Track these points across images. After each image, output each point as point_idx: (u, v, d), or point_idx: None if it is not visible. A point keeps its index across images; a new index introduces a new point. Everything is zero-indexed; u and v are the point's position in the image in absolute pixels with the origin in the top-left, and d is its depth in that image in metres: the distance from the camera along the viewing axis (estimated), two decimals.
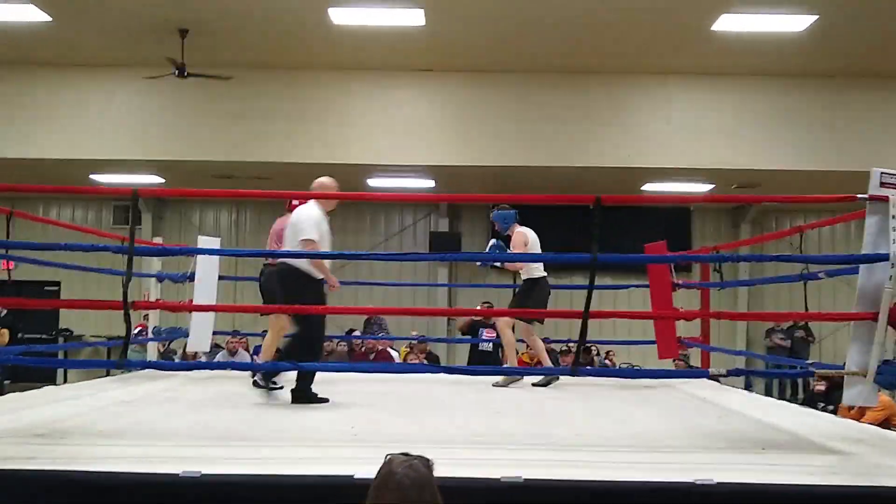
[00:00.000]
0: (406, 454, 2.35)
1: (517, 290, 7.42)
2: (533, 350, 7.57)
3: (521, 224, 7.14)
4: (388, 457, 2.35)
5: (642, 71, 12.37)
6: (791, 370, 6.62)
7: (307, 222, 5.54)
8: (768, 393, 13.74)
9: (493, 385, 6.89)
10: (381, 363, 10.33)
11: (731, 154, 12.47)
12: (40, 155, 12.55)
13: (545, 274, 7.12)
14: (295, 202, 6.45)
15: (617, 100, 12.61)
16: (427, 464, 2.33)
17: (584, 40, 11.19)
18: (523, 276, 7.13)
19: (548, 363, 7.52)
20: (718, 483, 3.19)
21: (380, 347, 11.25)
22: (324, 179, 5.88)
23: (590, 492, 3.23)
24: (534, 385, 6.96)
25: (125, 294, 4.08)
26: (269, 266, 6.39)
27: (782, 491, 3.23)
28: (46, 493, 3.23)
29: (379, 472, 2.32)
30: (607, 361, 13.86)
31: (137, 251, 4.25)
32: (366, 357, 11.26)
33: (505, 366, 7.66)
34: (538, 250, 7.12)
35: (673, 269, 7.25)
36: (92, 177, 13.98)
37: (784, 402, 6.83)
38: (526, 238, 7.02)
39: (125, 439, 4.17)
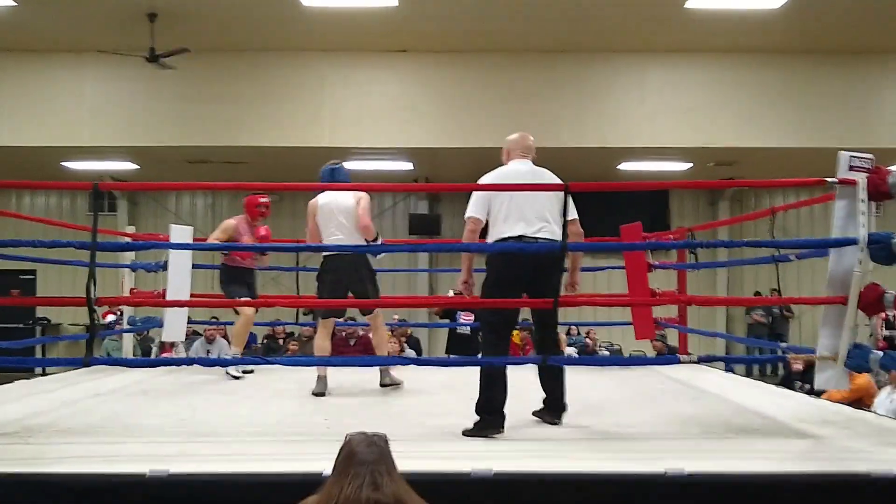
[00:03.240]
0: (365, 433, 2.42)
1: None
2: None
3: None
4: (348, 437, 2.41)
5: (618, 49, 12.31)
6: (765, 356, 6.62)
7: None
8: (748, 371, 13.84)
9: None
10: (352, 357, 10.21)
11: (707, 132, 12.46)
12: (10, 142, 12.40)
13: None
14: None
15: (593, 79, 12.55)
16: (385, 440, 2.40)
17: (559, 19, 11.10)
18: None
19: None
20: (689, 473, 3.18)
21: (360, 333, 11.19)
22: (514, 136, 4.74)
23: (557, 484, 3.21)
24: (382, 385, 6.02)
25: (88, 290, 4.01)
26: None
27: (754, 480, 3.22)
28: (7, 497, 3.17)
29: (340, 451, 2.37)
30: (588, 340, 13.89)
31: (101, 246, 4.17)
32: (346, 343, 11.21)
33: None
34: None
35: (649, 250, 7.21)
36: (64, 164, 13.82)
37: (761, 383, 6.84)
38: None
39: (94, 436, 4.11)
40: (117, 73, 12.01)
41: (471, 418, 4.66)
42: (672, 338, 10.87)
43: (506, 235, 4.27)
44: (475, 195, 4.39)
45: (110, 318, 12.61)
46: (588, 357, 11.57)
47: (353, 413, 4.92)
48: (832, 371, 3.99)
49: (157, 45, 10.72)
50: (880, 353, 3.94)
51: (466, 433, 4.12)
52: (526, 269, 4.26)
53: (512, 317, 4.41)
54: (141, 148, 12.78)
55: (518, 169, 4.48)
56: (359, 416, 4.83)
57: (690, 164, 13.95)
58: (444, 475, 3.21)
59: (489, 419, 4.13)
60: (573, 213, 4.35)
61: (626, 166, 14.08)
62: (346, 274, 5.55)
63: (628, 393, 5.83)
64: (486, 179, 4.45)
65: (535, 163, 4.58)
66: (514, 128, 13.03)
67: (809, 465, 3.39)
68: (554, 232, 4.31)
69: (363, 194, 5.68)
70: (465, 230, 4.42)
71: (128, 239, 8.01)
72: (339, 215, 5.59)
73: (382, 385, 5.88)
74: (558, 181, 4.41)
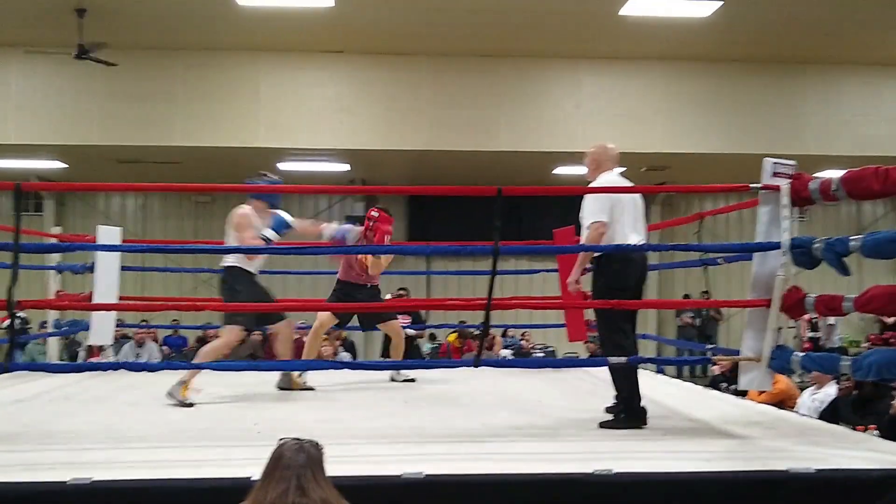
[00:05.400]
0: (297, 439, 2.40)
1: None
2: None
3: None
4: (281, 441, 2.40)
5: (553, 55, 12.45)
6: (692, 357, 6.78)
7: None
8: (679, 372, 14.12)
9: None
10: (282, 361, 10.01)
11: (640, 138, 12.66)
12: None
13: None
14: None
15: (528, 84, 12.66)
16: (317, 447, 2.39)
17: (496, 24, 11.18)
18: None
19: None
20: (617, 473, 3.23)
21: (295, 336, 11.09)
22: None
23: (487, 485, 3.23)
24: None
25: (10, 293, 3.88)
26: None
27: (679, 479, 3.29)
28: None
29: (270, 456, 2.36)
30: (523, 342, 14.02)
31: (24, 248, 4.04)
32: None
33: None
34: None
35: None
36: None
37: (690, 384, 6.98)
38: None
39: (12, 444, 3.97)
40: (45, 69, 11.69)
41: (405, 421, 4.66)
42: None
43: (630, 242, 4.45)
44: (596, 201, 4.45)
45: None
46: (522, 359, 11.67)
47: (285, 417, 4.87)
48: (756, 372, 4.09)
49: (86, 42, 10.46)
50: (801, 355, 4.06)
51: (609, 426, 4.32)
52: (637, 276, 4.54)
53: (632, 317, 4.62)
54: (69, 147, 12.46)
55: (620, 182, 4.67)
56: (290, 420, 4.78)
57: (623, 169, 14.14)
58: (374, 479, 3.20)
59: (636, 412, 4.37)
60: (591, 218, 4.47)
61: (561, 171, 14.23)
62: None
63: (561, 394, 5.89)
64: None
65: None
66: (450, 131, 13.23)
67: (733, 465, 3.47)
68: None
69: (241, 212, 5.46)
70: (591, 233, 4.42)
71: (53, 240, 7.79)
72: None
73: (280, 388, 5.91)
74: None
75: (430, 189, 15.08)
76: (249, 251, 5.32)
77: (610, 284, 4.45)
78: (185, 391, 5.23)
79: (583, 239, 4.51)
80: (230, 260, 5.54)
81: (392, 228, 6.14)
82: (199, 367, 5.09)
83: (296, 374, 6.04)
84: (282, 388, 5.94)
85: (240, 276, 5.51)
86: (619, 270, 4.46)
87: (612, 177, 4.69)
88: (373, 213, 6.24)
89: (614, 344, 4.47)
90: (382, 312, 6.71)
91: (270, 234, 5.46)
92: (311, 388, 6.01)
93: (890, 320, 15.06)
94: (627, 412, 4.38)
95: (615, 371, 4.44)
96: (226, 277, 5.55)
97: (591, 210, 4.43)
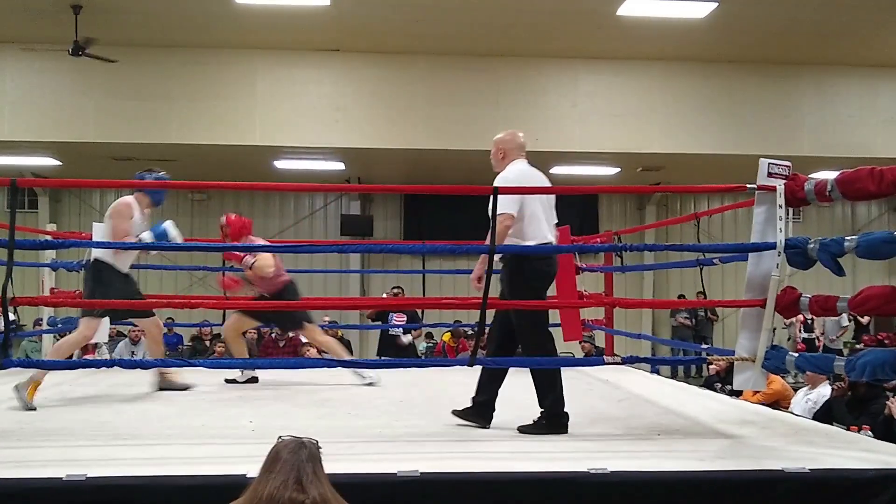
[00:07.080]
0: (295, 437, 2.39)
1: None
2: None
3: None
4: (279, 439, 2.40)
5: (550, 55, 12.46)
6: (687, 357, 6.78)
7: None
8: (673, 372, 14.13)
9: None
10: (279, 359, 10.04)
11: (636, 138, 12.70)
12: None
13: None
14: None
15: (525, 83, 12.67)
16: (315, 444, 2.38)
17: (493, 23, 11.19)
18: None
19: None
20: (612, 472, 3.24)
21: (290, 335, 11.10)
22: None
23: (482, 484, 3.23)
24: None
25: (4, 289, 3.87)
26: None
27: (673, 478, 3.29)
28: None
29: (269, 452, 2.36)
30: None
31: (19, 244, 4.03)
32: (275, 344, 11.10)
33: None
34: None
35: (577, 253, 7.31)
36: None
37: (684, 384, 6.99)
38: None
39: (6, 441, 3.96)
40: (40, 66, 11.67)
41: (400, 420, 4.66)
42: (600, 339, 11.03)
43: (549, 239, 4.39)
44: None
45: None
46: (516, 358, 11.66)
47: (280, 415, 4.88)
48: (750, 372, 4.10)
49: (82, 39, 10.44)
50: (795, 355, 4.07)
51: (527, 431, 4.21)
52: (553, 274, 4.49)
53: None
54: (64, 143, 12.44)
55: (534, 172, 4.51)
56: (285, 417, 4.78)
57: (619, 169, 14.19)
58: (370, 476, 3.20)
59: (559, 421, 4.23)
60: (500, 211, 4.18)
61: (557, 170, 14.23)
62: None
63: None
64: (510, 178, 4.34)
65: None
66: (446, 130, 13.20)
67: (728, 464, 3.48)
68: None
69: (124, 201, 5.60)
70: (500, 226, 4.14)
71: (48, 237, 7.77)
72: None
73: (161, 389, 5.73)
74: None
75: (425, 188, 15.15)
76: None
77: (533, 283, 4.35)
78: (33, 393, 5.04)
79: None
80: (96, 254, 5.51)
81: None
82: (44, 365, 5.07)
83: (172, 370, 5.84)
84: (161, 389, 5.75)
85: (103, 271, 5.46)
86: (544, 269, 4.40)
87: (524, 166, 4.50)
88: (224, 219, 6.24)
89: (540, 345, 4.39)
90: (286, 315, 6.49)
91: (147, 235, 5.41)
92: (188, 387, 5.82)
93: (864, 320, 15.14)
94: (549, 419, 4.24)
95: (541, 374, 4.35)
96: (90, 271, 5.51)
97: (505, 202, 4.15)
